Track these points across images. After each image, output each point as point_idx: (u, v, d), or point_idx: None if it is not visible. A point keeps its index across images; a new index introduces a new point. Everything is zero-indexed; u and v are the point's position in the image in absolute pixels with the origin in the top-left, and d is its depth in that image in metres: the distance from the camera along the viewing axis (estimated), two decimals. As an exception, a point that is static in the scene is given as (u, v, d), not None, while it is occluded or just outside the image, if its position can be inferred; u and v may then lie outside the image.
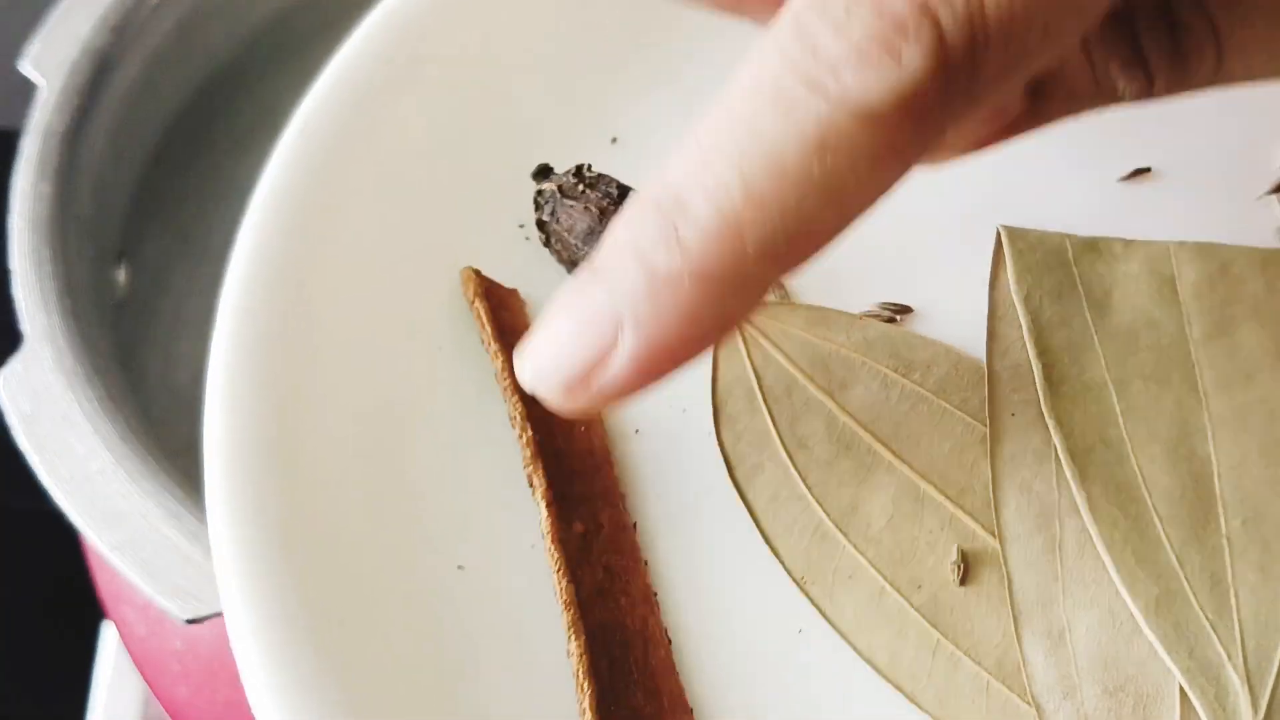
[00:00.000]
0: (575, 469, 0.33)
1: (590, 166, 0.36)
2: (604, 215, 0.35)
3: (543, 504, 0.31)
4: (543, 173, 0.37)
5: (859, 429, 0.34)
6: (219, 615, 0.37)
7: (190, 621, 0.41)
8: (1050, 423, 0.33)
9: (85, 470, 0.45)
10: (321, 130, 0.38)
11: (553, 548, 0.30)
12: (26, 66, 0.52)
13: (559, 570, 0.30)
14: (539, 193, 0.36)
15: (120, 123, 0.57)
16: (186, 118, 0.63)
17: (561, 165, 0.39)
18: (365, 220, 0.37)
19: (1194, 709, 0.28)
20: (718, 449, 0.34)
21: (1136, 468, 0.32)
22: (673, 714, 0.29)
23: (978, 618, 0.31)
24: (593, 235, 0.35)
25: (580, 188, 0.35)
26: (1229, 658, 0.28)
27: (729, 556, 0.32)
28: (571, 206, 0.35)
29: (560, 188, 0.36)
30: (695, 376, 0.35)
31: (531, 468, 0.32)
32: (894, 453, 0.34)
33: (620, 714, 0.28)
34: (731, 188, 0.22)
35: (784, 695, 0.30)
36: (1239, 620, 0.29)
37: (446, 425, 0.33)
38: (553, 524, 0.31)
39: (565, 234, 0.35)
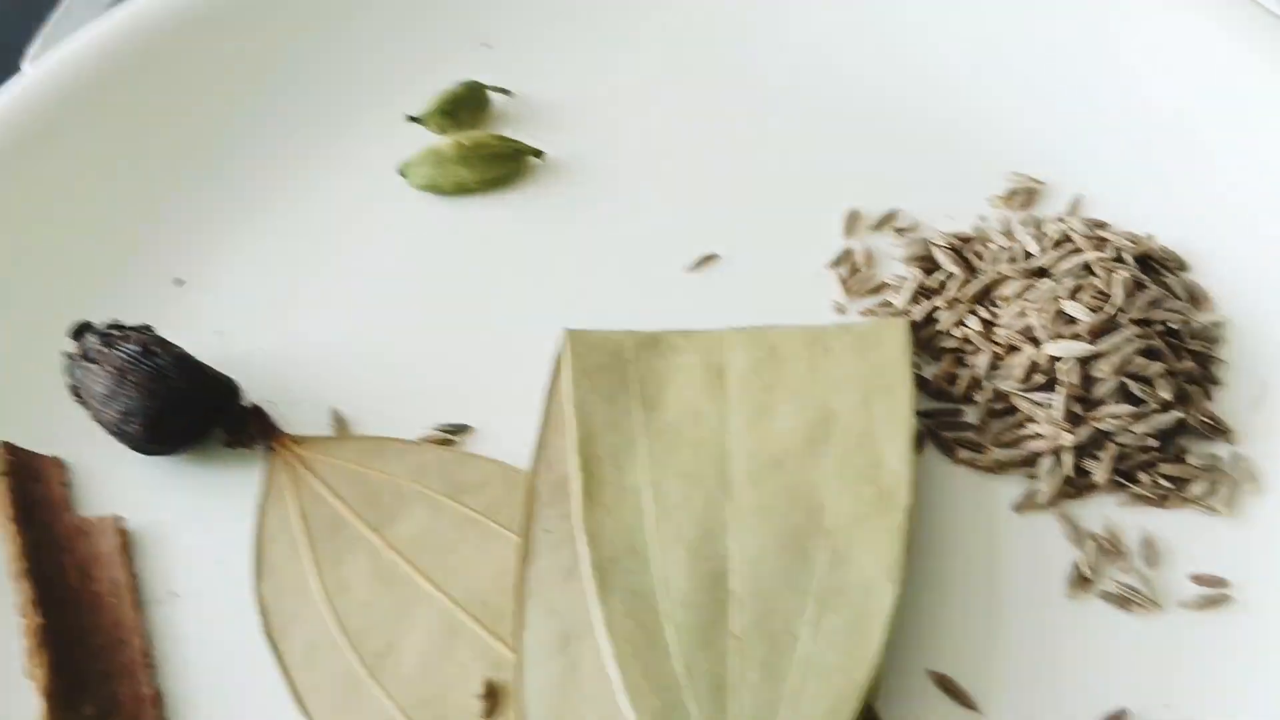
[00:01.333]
0: (99, 645, 0.32)
1: (120, 325, 0.35)
2: (123, 375, 0.34)
3: (40, 694, 0.30)
4: (78, 332, 0.36)
5: (402, 563, 0.34)
6: None
7: None
8: (580, 536, 0.33)
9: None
10: None
11: (44, 744, 0.29)
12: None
13: (49, 769, 0.29)
14: (67, 356, 0.35)
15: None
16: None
17: (123, 309, 0.38)
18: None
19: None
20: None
21: (658, 574, 0.32)
22: None
23: (501, 752, 0.31)
24: (111, 398, 0.34)
25: (103, 349, 0.34)
26: (720, 769, 0.29)
27: (262, 716, 0.31)
28: (90, 370, 0.34)
29: (84, 352, 0.35)
30: (240, 529, 0.35)
31: (34, 659, 0.31)
32: (435, 584, 0.33)
33: None
34: None
35: None
36: (735, 725, 0.29)
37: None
38: (47, 716, 0.29)
39: (89, 398, 0.34)
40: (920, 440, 0.36)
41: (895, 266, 0.41)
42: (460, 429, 0.37)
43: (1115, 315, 0.36)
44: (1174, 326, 0.37)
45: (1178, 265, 0.40)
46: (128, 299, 0.39)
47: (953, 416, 0.37)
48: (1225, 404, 0.37)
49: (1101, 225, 0.40)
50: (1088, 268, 0.38)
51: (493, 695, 0.31)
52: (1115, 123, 0.43)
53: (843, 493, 0.33)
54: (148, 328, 0.36)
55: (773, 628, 0.31)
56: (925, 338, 0.38)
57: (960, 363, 0.38)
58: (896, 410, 0.35)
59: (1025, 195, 0.42)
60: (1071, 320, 0.36)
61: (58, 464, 0.35)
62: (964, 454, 0.36)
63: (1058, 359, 0.36)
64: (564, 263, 0.41)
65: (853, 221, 0.42)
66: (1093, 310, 0.36)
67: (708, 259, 0.41)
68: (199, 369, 0.35)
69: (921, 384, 0.38)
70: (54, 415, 0.36)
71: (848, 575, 0.31)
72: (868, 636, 0.30)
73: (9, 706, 0.30)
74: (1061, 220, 0.40)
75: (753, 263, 0.41)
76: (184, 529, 0.35)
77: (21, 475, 0.34)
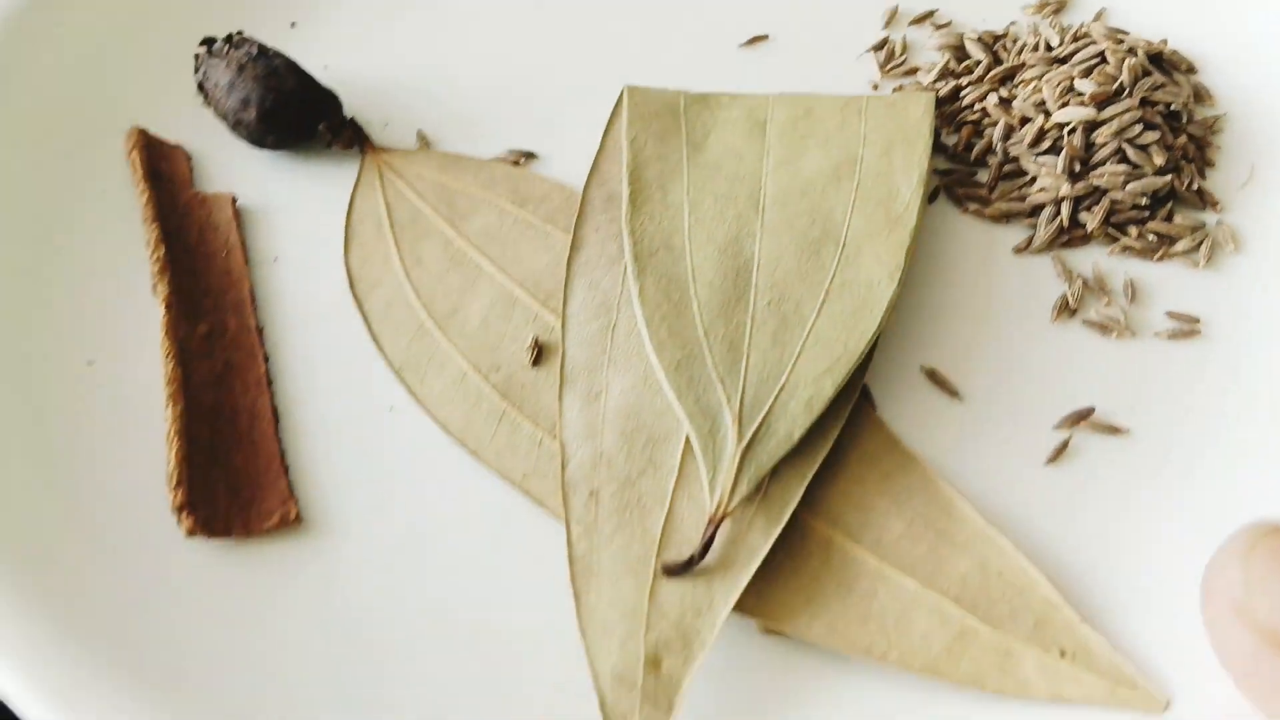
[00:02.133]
0: (209, 286, 0.37)
1: (241, 33, 0.41)
2: (242, 70, 0.39)
3: (162, 306, 0.36)
4: (207, 43, 0.41)
5: (470, 249, 0.39)
6: None
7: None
8: (625, 233, 0.37)
9: None
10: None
11: (164, 339, 0.35)
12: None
13: (166, 355, 0.34)
14: (196, 57, 0.41)
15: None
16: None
17: (242, 44, 0.43)
18: (40, 85, 0.42)
19: (693, 445, 0.33)
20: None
21: (690, 265, 0.37)
22: (268, 470, 0.34)
23: (542, 390, 0.36)
24: (233, 88, 0.39)
25: (227, 50, 0.40)
26: (728, 402, 0.33)
27: (342, 353, 0.37)
28: (215, 64, 0.40)
29: (210, 50, 0.40)
30: (332, 211, 0.40)
31: (157, 280, 0.36)
32: (498, 266, 0.39)
33: (217, 470, 0.33)
34: None
35: (373, 458, 0.35)
36: (745, 375, 0.34)
37: (88, 244, 0.38)
38: (167, 321, 0.35)
39: (212, 89, 0.40)
40: (934, 193, 0.41)
41: (930, 56, 0.45)
42: (528, 155, 0.42)
43: (1119, 90, 0.40)
44: (1175, 109, 0.40)
45: (1187, 67, 0.43)
46: (250, 34, 0.45)
47: (966, 175, 0.41)
48: (1216, 183, 0.41)
49: (1122, 32, 0.44)
50: (1102, 56, 0.41)
51: (539, 348, 0.36)
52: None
53: (858, 215, 0.38)
54: (252, 40, 0.42)
55: (785, 310, 0.35)
56: (949, 113, 0.43)
57: (978, 133, 0.42)
58: (914, 157, 0.39)
59: (1056, 4, 0.46)
60: (1080, 94, 0.40)
61: (182, 150, 0.41)
62: (973, 206, 0.40)
63: (1064, 124, 0.40)
64: (630, 34, 0.46)
65: (894, 15, 0.46)
66: (1100, 86, 0.40)
67: (759, 38, 0.45)
68: (308, 76, 0.40)
69: (940, 149, 0.42)
70: (184, 117, 0.42)
71: (855, 274, 0.36)
72: (866, 320, 0.35)
73: (140, 319, 0.36)
74: (1084, 25, 0.44)
75: (799, 44, 0.45)
76: (287, 210, 0.40)
77: (151, 153, 0.40)
